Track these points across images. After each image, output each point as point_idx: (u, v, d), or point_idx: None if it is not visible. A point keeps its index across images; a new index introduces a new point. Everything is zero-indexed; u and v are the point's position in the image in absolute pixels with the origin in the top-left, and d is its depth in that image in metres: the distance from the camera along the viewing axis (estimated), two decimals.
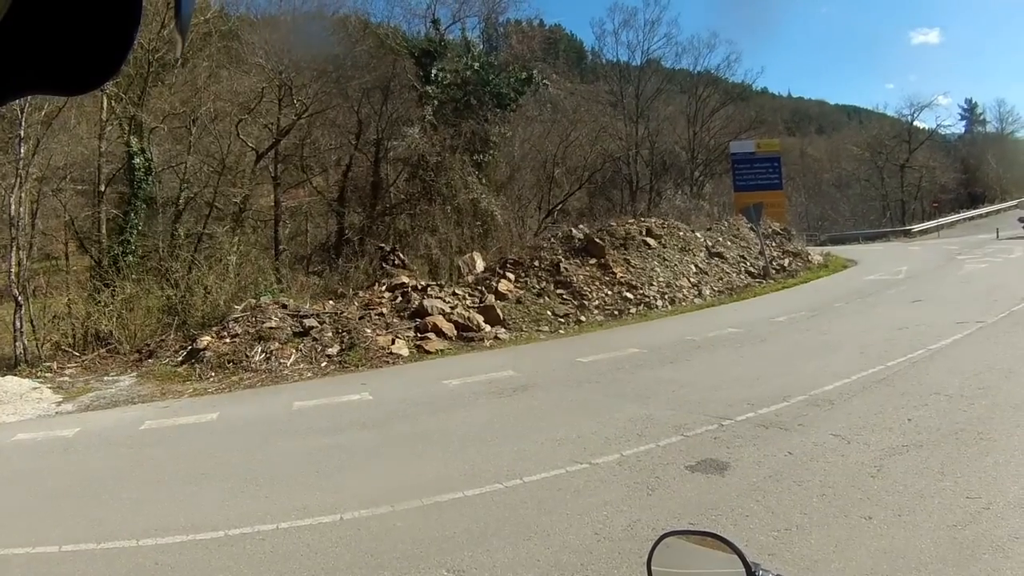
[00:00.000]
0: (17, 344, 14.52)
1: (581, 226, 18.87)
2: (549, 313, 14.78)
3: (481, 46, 31.24)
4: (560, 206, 32.53)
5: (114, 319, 14.97)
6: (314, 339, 12.92)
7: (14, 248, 15.51)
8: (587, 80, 48.69)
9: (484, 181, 26.18)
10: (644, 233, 18.51)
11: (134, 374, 12.91)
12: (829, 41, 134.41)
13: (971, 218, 49.91)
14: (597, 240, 17.05)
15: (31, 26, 0.54)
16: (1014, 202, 53.27)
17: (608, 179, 38.52)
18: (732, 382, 8.64)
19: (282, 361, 12.32)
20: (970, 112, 78.66)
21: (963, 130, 76.78)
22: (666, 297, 16.49)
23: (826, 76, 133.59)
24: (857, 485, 5.20)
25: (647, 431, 6.73)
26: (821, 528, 4.50)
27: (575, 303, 15.16)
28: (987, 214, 50.85)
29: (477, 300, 14.94)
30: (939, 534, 4.27)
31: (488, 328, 13.92)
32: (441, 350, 12.90)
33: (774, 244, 22.89)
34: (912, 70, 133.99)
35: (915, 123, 61.53)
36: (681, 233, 19.83)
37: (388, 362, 12.28)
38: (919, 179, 58.73)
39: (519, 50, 32.96)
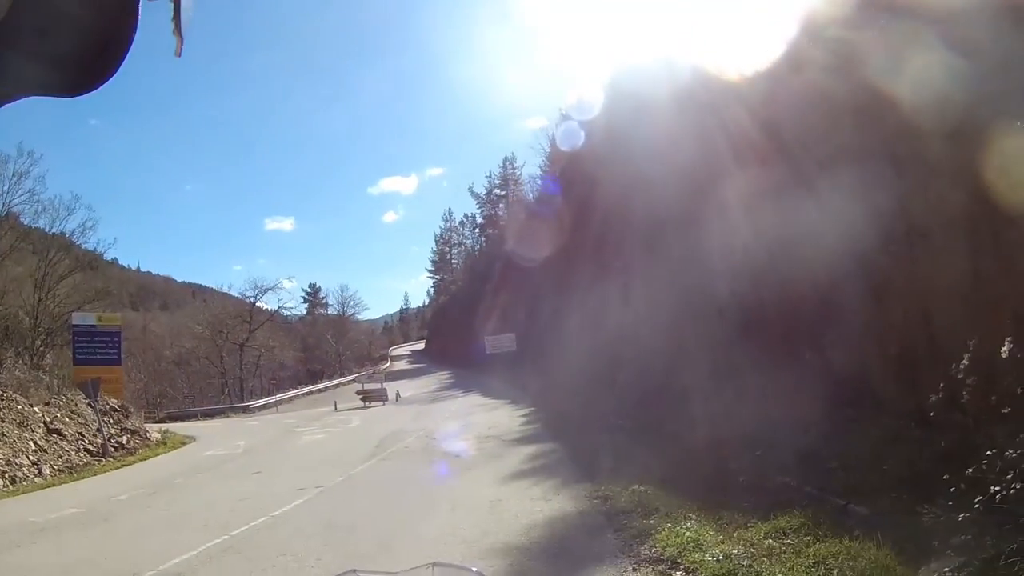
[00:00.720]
0: None
1: None
2: None
3: None
4: None
5: None
6: None
7: None
8: None
9: None
10: None
11: None
12: (186, 218, 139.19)
13: (310, 393, 53.22)
14: None
15: (31, 26, 0.56)
16: (352, 377, 58.17)
17: None
18: (81, 563, 8.43)
19: None
20: (313, 295, 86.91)
21: (305, 312, 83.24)
22: (6, 476, 15.85)
23: (177, 252, 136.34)
24: None
25: None
26: None
27: None
28: (326, 388, 54.74)
29: None
30: None
31: None
32: None
33: (112, 421, 22.90)
34: (263, 254, 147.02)
35: (258, 303, 65.15)
36: (20, 407, 18.99)
37: None
38: (258, 357, 61.80)
39: None
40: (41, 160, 42.72)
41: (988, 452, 5.00)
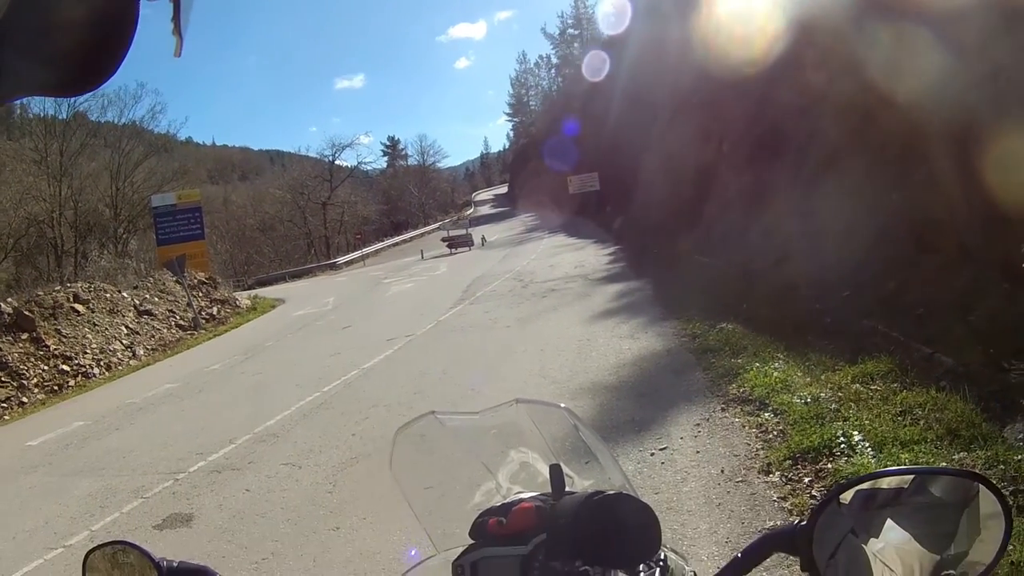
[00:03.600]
0: None
1: (10, 299, 17.18)
2: None
3: None
4: None
5: None
6: None
7: None
8: (14, 137, 42.48)
9: None
10: (72, 300, 17.81)
11: None
12: (255, 89, 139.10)
13: (396, 244, 52.93)
14: (27, 313, 16.05)
15: (31, 26, 0.55)
16: (436, 225, 58.63)
17: (33, 244, 35.71)
18: (178, 437, 8.52)
19: None
20: (392, 148, 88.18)
21: (385, 165, 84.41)
22: (102, 364, 16.31)
23: (251, 122, 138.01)
24: (318, 503, 5.54)
25: (109, 502, 6.56)
26: (295, 550, 4.80)
27: (15, 385, 14.32)
28: (412, 238, 55.07)
29: None
30: (409, 529, 4.50)
31: None
32: None
33: (201, 294, 23.06)
34: (336, 113, 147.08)
35: (337, 162, 65.40)
36: (108, 295, 19.25)
37: None
38: (341, 214, 61.97)
39: None
40: None
41: None
